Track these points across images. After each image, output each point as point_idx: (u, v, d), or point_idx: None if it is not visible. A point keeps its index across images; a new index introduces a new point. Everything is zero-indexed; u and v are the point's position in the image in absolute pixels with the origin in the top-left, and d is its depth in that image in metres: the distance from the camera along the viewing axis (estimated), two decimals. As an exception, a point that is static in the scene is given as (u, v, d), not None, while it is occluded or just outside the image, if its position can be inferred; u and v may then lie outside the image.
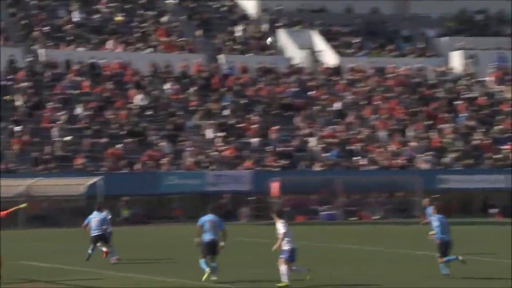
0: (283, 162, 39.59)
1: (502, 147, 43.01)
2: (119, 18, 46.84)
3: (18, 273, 18.67)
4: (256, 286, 16.40)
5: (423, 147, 42.38)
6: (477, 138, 43.67)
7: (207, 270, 16.50)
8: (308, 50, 47.96)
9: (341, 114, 43.92)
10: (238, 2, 51.06)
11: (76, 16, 46.15)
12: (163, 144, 39.22)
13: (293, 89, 44.84)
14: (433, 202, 17.72)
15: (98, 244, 20.76)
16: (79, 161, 37.15)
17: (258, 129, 41.22)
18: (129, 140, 38.94)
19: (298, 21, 49.65)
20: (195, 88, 43.37)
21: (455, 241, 17.60)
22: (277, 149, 40.34)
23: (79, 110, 40.08)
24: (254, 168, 38.82)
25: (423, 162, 41.52)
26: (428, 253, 17.43)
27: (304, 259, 17.64)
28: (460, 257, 17.07)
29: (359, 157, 40.99)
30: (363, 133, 42.63)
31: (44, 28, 44.61)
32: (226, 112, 42.22)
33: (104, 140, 38.59)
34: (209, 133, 40.65)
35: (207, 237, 16.51)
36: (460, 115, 45.32)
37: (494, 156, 42.44)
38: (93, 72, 42.85)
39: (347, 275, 17.89)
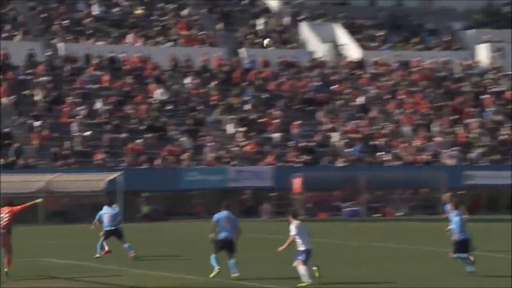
0: (305, 157, 39.25)
1: (530, 142, 42.48)
2: (139, 11, 46.64)
3: (37, 270, 18.58)
4: (276, 283, 16.23)
5: (449, 142, 41.97)
6: (504, 133, 43.21)
7: (217, 268, 16.46)
8: (331, 43, 47.70)
9: (364, 108, 43.56)
10: (260, -5, 50.66)
11: (95, 10, 45.97)
12: (184, 139, 38.95)
13: (315, 83, 44.51)
14: (453, 198, 17.17)
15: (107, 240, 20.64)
16: (99, 156, 36.95)
17: (280, 124, 40.91)
18: (149, 135, 38.71)
19: (320, 14, 49.40)
20: (216, 82, 43.06)
21: (481, 239, 17.46)
22: (299, 144, 40.02)
23: (98, 104, 39.85)
24: (275, 164, 38.49)
25: (448, 158, 41.11)
26: (452, 250, 17.06)
27: (323, 257, 17.38)
28: (472, 258, 16.76)
29: (383, 153, 40.63)
30: (387, 128, 42.26)
31: (63, 22, 44.47)
32: (247, 106, 41.92)
33: (124, 135, 38.39)
34: (230, 128, 40.37)
35: (222, 235, 16.51)
36: (487, 109, 44.89)
37: (522, 152, 41.81)
38: (113, 66, 42.68)
39: (365, 273, 17.63)
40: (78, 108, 39.20)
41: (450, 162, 40.83)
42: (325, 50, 47.22)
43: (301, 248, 15.49)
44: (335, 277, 16.69)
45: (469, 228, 16.95)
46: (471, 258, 16.64)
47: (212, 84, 42.99)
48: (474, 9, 51.35)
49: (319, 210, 37.76)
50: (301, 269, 15.41)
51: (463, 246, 16.55)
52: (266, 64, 45.21)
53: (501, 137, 42.88)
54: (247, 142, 39.42)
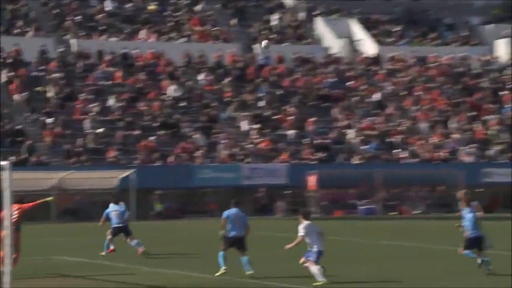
0: (320, 155, 38.94)
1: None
2: (152, 7, 46.43)
3: (49, 268, 18.61)
4: (289, 282, 16.06)
5: (467, 139, 41.58)
6: (523, 130, 42.57)
7: (223, 268, 16.38)
8: (347, 39, 47.51)
9: (380, 105, 43.25)
10: (274, -11, 50.28)
11: (108, 6, 45.79)
12: (197, 136, 38.67)
13: (330, 80, 44.20)
14: (466, 195, 16.86)
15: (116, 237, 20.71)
16: (112, 153, 36.71)
17: (295, 121, 40.63)
18: (162, 132, 38.46)
19: (336, 9, 49.19)
20: (230, 78, 42.76)
21: (497, 237, 17.16)
22: (314, 141, 39.71)
23: (111, 101, 39.62)
24: (290, 161, 38.19)
25: (466, 155, 40.73)
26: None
27: (335, 256, 17.40)
28: (479, 260, 16.52)
29: (399, 150, 40.32)
30: (403, 124, 41.94)
31: (76, 18, 44.31)
32: (262, 103, 41.63)
33: (136, 132, 38.16)
34: (244, 125, 40.08)
35: (232, 233, 16.46)
36: (506, 105, 44.53)
37: (542, 149, 41.23)
38: (126, 62, 42.47)
39: (376, 272, 17.50)
40: (90, 105, 38.99)
41: (468, 159, 40.47)
42: (340, 46, 46.99)
43: (312, 249, 15.40)
44: (344, 275, 16.59)
45: (485, 227, 16.70)
46: (478, 261, 16.42)
47: (226, 80, 42.68)
48: (493, 3, 50.89)
49: (335, 208, 37.57)
50: (314, 269, 15.33)
51: (474, 243, 16.39)
52: (280, 60, 44.95)
53: (520, 134, 42.48)
54: (261, 139, 39.16)
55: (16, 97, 38.59)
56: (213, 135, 39.11)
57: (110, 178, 34.21)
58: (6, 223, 14.39)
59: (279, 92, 42.59)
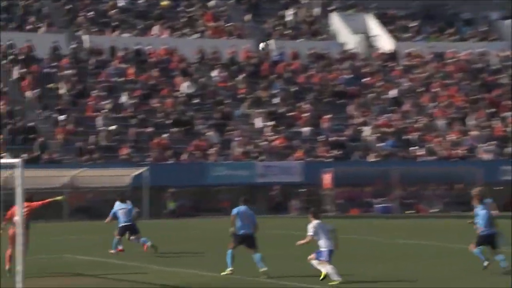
0: (335, 152, 38.56)
1: None
2: (165, 2, 46.17)
3: (61, 267, 18.63)
4: (303, 281, 15.94)
5: (485, 136, 41.10)
6: (543, 126, 42.01)
7: (229, 269, 16.41)
8: (363, 34, 47.15)
9: (397, 102, 42.88)
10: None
11: (121, 1, 45.57)
12: (211, 133, 38.35)
13: (346, 76, 43.83)
14: (480, 192, 16.93)
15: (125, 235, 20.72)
16: (124, 151, 36.44)
17: (310, 118, 40.26)
18: (176, 129, 38.19)
19: (352, 4, 48.85)
20: (244, 75, 42.40)
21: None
22: (330, 138, 39.35)
23: (124, 98, 39.33)
24: (305, 159, 37.84)
25: (484, 153, 40.27)
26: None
27: (352, 254, 17.46)
28: (485, 263, 16.34)
29: (416, 147, 39.89)
30: (420, 121, 41.55)
31: (88, 14, 44.07)
32: (276, 100, 41.29)
33: (149, 129, 37.89)
34: (258, 122, 39.76)
35: (242, 231, 16.50)
36: (525, 102, 43.77)
37: (562, 146, 40.66)
38: (139, 58, 42.20)
39: (392, 271, 17.43)
40: (103, 102, 38.74)
41: (486, 156, 40.02)
42: (356, 42, 46.61)
43: (322, 248, 15.39)
44: (360, 274, 16.52)
45: (501, 225, 16.57)
46: (485, 264, 16.17)
47: (240, 77, 42.33)
48: (512, -2, 50.16)
49: (350, 206, 37.36)
50: (328, 268, 15.31)
51: (486, 240, 16.28)
52: (295, 56, 44.58)
53: (540, 131, 41.91)
54: (276, 137, 38.86)
55: (28, 94, 38.37)
56: (226, 132, 38.78)
57: (123, 176, 34.08)
58: (18, 221, 14.22)
59: (293, 88, 42.23)
